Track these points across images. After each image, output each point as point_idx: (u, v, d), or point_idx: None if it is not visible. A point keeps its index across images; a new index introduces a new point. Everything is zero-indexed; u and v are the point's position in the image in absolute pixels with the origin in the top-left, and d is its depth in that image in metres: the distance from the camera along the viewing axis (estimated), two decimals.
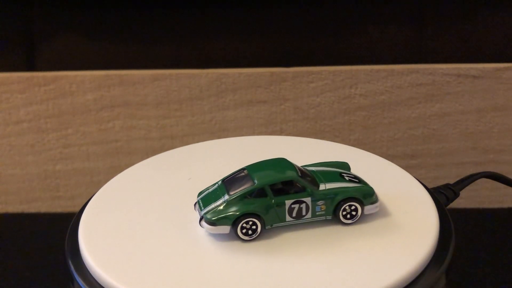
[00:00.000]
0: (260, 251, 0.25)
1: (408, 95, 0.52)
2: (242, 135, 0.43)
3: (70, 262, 0.25)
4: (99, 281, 0.24)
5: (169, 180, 0.31)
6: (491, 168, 0.53)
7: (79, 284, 0.24)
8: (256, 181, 0.25)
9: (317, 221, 0.26)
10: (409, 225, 0.27)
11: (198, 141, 0.38)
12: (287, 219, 0.25)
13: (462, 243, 0.28)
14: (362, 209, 0.26)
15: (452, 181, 0.34)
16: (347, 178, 0.27)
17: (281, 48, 0.54)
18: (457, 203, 0.33)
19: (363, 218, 0.27)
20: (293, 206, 0.25)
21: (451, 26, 0.52)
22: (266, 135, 0.48)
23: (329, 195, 0.26)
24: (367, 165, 0.32)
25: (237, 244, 0.25)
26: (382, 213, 0.27)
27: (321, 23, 0.53)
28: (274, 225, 0.25)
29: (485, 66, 0.51)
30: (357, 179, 0.27)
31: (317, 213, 0.26)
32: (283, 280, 0.23)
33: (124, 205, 0.29)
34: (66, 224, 0.28)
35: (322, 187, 0.26)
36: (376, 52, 0.53)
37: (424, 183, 0.30)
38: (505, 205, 0.55)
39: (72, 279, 0.25)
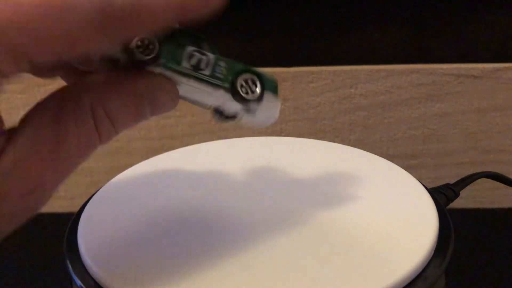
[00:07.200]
0: (260, 253, 0.25)
1: (408, 95, 0.52)
2: (242, 135, 0.43)
3: (68, 262, 0.25)
4: (98, 282, 0.24)
5: (169, 181, 0.31)
6: (491, 168, 0.53)
7: (77, 285, 0.24)
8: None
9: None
10: (409, 225, 0.27)
11: (198, 141, 0.38)
12: (183, 64, 0.24)
13: (462, 243, 0.28)
14: (262, 91, 0.25)
15: (452, 181, 0.34)
16: None
17: (281, 48, 0.54)
18: (457, 203, 0.34)
19: (363, 218, 0.27)
20: (194, 53, 0.24)
21: (451, 26, 0.52)
22: (266, 135, 0.48)
23: (230, 63, 0.25)
24: (367, 165, 0.32)
25: (239, 245, 0.25)
26: (382, 213, 0.27)
27: (321, 23, 0.53)
28: (169, 64, 0.23)
29: (485, 66, 0.51)
30: None
31: (216, 75, 0.25)
32: (282, 279, 0.23)
33: (124, 205, 0.29)
34: (66, 224, 0.28)
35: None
36: (376, 52, 0.53)
37: (424, 183, 0.30)
38: (505, 205, 0.55)
39: (71, 280, 0.25)
